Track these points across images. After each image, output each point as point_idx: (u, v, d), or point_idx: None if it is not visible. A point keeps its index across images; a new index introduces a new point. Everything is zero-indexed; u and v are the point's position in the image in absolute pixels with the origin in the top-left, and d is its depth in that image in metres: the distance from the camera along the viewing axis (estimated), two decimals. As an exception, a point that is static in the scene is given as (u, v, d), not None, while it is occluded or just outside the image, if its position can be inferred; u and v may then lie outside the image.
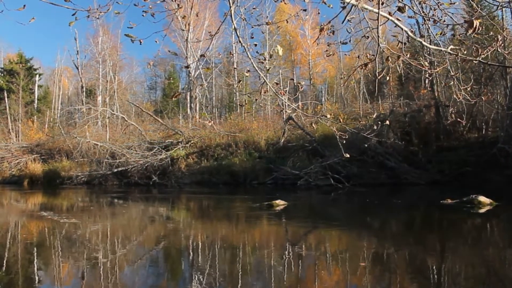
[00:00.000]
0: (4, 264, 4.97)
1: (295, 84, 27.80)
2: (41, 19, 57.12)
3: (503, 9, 13.91)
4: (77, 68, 33.30)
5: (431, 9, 4.29)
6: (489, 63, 5.77)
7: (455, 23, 4.35)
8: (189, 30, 27.70)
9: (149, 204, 12.99)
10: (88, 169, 20.89)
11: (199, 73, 31.50)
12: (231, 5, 3.87)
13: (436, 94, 18.65)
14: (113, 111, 27.61)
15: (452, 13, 4.38)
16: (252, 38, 4.99)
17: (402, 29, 4.20)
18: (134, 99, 38.31)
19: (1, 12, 3.45)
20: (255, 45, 4.68)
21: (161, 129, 24.55)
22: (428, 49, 5.14)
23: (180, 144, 21.44)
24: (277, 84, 5.14)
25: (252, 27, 4.76)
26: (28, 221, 9.23)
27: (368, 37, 4.36)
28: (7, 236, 7.13)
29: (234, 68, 27.68)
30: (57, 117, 35.02)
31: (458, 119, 13.08)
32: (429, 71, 4.63)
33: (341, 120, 5.47)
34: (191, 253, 5.76)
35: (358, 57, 4.88)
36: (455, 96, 4.87)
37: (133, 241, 6.88)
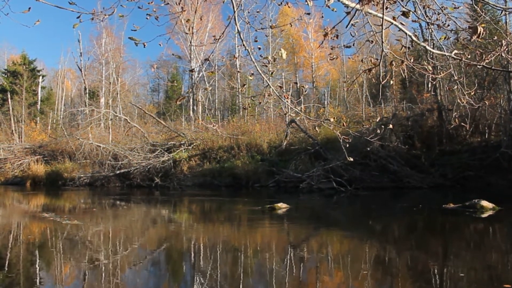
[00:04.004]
0: (7, 265, 4.98)
1: (298, 87, 27.82)
2: (45, 21, 57.43)
3: (507, 14, 13.91)
4: (80, 70, 33.45)
5: (434, 13, 4.29)
6: (492, 68, 5.75)
7: (458, 27, 4.35)
8: (192, 33, 27.78)
9: (151, 206, 12.99)
10: (90, 170, 20.97)
11: (202, 76, 31.54)
12: (235, 8, 3.88)
13: (439, 98, 18.62)
14: (116, 113, 27.68)
15: (456, 18, 4.38)
16: (256, 41, 5.01)
17: (405, 33, 4.21)
18: (137, 101, 38.41)
19: (6, 15, 3.47)
20: (259, 48, 4.69)
21: (164, 131, 24.58)
22: (432, 53, 5.14)
23: (182, 146, 21.48)
24: (280, 87, 5.14)
25: (256, 30, 4.77)
26: (31, 222, 9.25)
27: (372, 41, 4.36)
28: (9, 237, 7.14)
29: (238, 71, 27.72)
30: (60, 118, 35.10)
31: (461, 123, 13.03)
32: (433, 76, 4.63)
33: (344, 123, 5.45)
34: (193, 256, 5.76)
35: (362, 60, 4.88)
36: (458, 100, 4.86)
37: (135, 243, 6.88)
